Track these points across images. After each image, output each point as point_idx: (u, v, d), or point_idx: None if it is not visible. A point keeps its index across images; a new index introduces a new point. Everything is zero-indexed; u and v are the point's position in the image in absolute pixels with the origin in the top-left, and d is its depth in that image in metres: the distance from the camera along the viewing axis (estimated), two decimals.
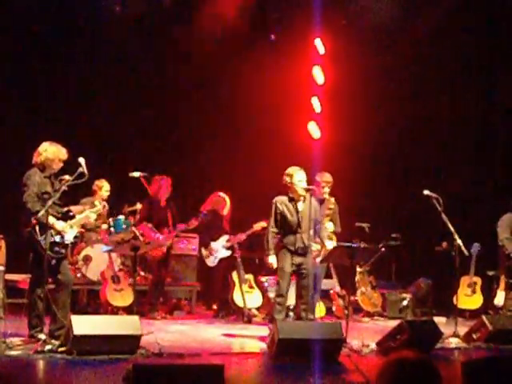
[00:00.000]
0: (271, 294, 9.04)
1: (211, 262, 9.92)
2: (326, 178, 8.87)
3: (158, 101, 11.19)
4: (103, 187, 9.56)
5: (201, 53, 11.14)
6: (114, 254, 9.14)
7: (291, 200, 7.78)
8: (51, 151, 6.89)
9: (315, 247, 7.89)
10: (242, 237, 9.84)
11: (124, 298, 8.92)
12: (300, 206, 7.76)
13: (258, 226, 9.44)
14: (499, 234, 9.72)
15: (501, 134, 11.77)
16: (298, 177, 7.71)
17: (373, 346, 7.30)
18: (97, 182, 9.44)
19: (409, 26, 11.41)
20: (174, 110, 11.39)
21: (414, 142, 12.10)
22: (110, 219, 9.49)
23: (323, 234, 8.27)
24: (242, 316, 9.51)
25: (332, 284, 10.21)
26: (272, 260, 7.76)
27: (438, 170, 11.76)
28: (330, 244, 8.43)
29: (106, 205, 7.43)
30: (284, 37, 11.78)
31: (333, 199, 9.01)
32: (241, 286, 9.65)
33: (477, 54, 11.62)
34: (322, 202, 8.70)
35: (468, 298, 10.47)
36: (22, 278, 8.61)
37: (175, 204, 9.68)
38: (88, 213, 7.26)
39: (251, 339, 8.05)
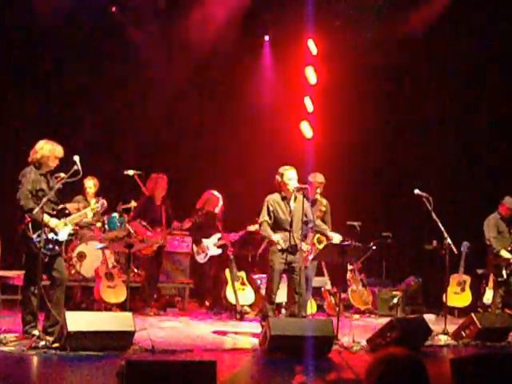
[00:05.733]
0: (264, 292, 9.09)
1: (201, 258, 9.97)
2: (319, 178, 8.89)
3: (154, 99, 11.21)
4: (85, 184, 9.60)
5: (195, 53, 11.17)
6: (107, 251, 9.18)
7: (283, 199, 7.77)
8: (47, 149, 6.89)
9: (305, 247, 7.89)
10: (235, 237, 9.88)
11: (117, 294, 8.96)
12: (292, 204, 7.77)
13: (253, 228, 9.44)
14: (486, 234, 9.84)
15: (489, 135, 11.85)
16: (288, 175, 7.70)
17: (363, 343, 7.34)
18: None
19: (401, 27, 11.48)
20: (168, 108, 11.41)
21: (406, 141, 12.17)
22: (105, 217, 9.55)
23: (323, 227, 8.32)
24: (235, 313, 9.56)
25: (323, 282, 10.27)
26: (278, 237, 7.57)
27: (429, 170, 11.84)
28: (337, 236, 8.26)
29: (105, 202, 7.41)
30: (277, 37, 11.84)
31: (325, 201, 9.01)
32: (233, 283, 9.68)
33: (469, 54, 11.70)
34: (313, 202, 8.71)
35: (457, 295, 10.57)
36: (16, 275, 8.62)
37: (171, 202, 9.73)
38: (85, 211, 7.26)
39: (243, 336, 8.09)
